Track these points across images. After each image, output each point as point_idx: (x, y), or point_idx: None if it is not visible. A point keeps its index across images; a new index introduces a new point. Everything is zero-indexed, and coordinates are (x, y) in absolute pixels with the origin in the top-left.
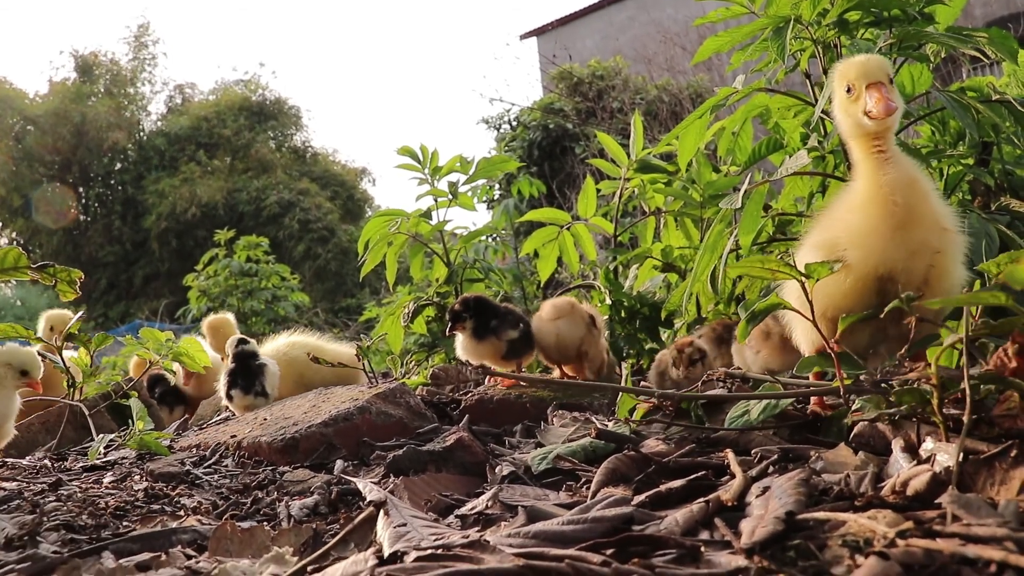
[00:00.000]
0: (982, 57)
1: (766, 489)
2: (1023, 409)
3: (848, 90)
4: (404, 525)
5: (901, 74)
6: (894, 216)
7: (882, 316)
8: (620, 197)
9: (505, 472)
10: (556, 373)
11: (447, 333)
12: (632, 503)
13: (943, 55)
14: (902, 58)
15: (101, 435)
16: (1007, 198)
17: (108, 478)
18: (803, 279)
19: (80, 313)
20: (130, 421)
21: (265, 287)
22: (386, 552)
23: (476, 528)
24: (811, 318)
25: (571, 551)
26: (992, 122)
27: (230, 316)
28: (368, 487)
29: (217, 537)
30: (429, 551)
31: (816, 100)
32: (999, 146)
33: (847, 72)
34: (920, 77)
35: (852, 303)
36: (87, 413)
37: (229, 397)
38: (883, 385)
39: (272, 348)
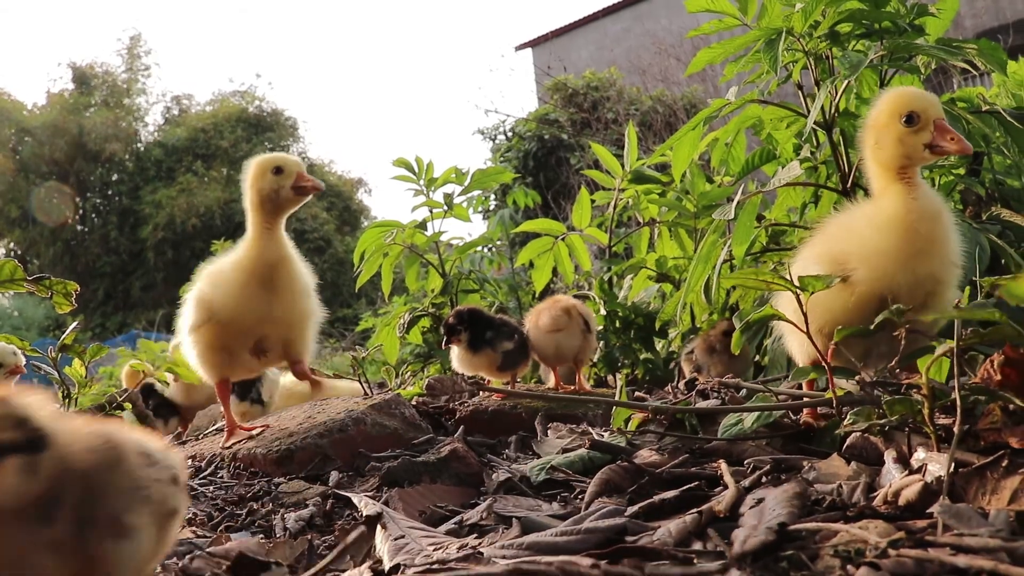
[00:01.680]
0: (971, 69)
1: (760, 500)
2: (1006, 423)
3: (909, 120)
4: (403, 537)
5: (893, 85)
6: (914, 244)
7: (874, 329)
8: (615, 208)
9: (501, 481)
10: (552, 380)
11: (443, 346)
12: (625, 514)
13: (934, 66)
14: (893, 69)
15: None
16: (998, 208)
17: None
18: (798, 291)
19: (76, 323)
20: None
21: None
22: (387, 566)
23: (472, 537)
24: (806, 330)
25: (563, 559)
26: (982, 133)
27: None
28: (363, 501)
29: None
30: (425, 566)
31: (808, 111)
32: (989, 156)
33: (911, 102)
34: None
35: (851, 319)
36: None
37: None
38: (875, 393)
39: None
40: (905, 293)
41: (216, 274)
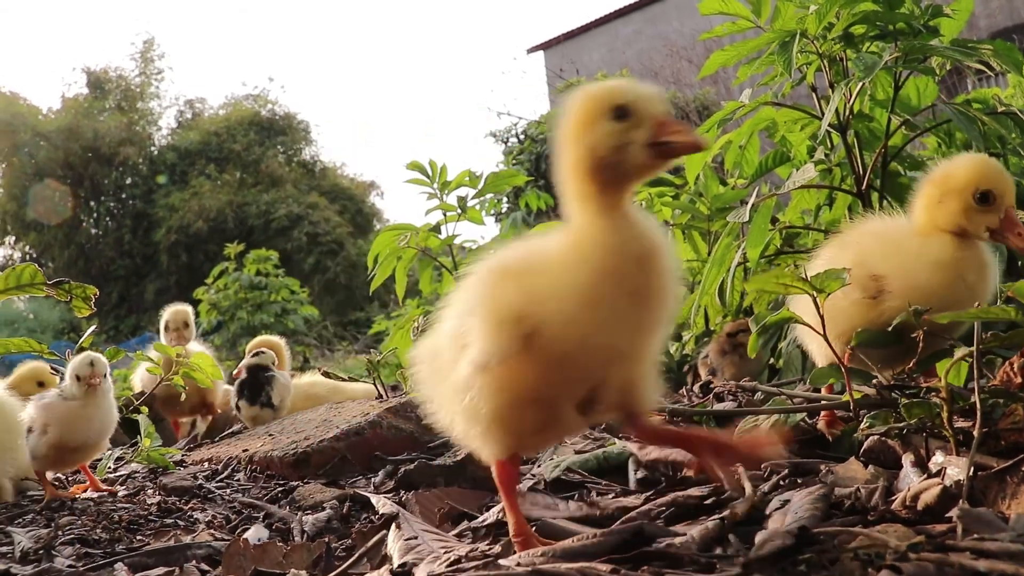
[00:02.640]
0: (987, 69)
1: (785, 503)
2: None
3: (983, 199)
4: (415, 538)
5: (907, 87)
6: (956, 292)
7: (892, 332)
8: None
9: None
10: None
11: None
12: (645, 518)
13: (948, 67)
14: (907, 71)
15: (110, 451)
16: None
17: (122, 492)
18: (816, 294)
19: (92, 327)
20: (139, 436)
21: (275, 300)
22: (395, 564)
23: (487, 541)
24: (823, 333)
25: (582, 564)
26: (998, 134)
27: (278, 339)
28: (381, 501)
29: (230, 553)
30: (442, 570)
31: (823, 113)
32: (1005, 157)
33: (990, 180)
34: (926, 89)
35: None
36: None
37: (237, 408)
38: (892, 396)
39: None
40: (935, 321)
41: (532, 274)
